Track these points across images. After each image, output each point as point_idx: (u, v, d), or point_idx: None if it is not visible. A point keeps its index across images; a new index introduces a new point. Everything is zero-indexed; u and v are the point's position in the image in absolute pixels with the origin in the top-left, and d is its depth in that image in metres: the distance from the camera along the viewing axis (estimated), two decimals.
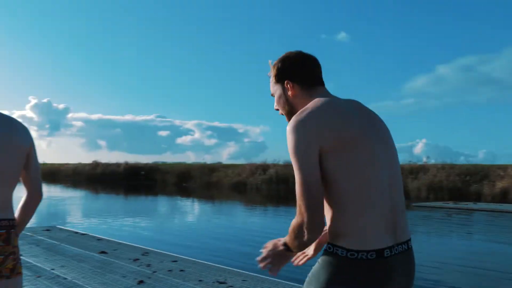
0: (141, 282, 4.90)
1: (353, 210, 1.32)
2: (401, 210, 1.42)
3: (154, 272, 5.39)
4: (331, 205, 1.37)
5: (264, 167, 31.85)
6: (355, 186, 1.32)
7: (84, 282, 4.87)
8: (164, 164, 44.48)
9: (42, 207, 15.80)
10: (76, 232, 8.61)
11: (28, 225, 8.68)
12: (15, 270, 1.93)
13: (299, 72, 1.55)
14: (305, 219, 1.31)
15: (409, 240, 1.44)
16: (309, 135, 1.33)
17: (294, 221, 1.36)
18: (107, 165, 41.77)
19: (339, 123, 1.36)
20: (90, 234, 8.51)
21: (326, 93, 1.55)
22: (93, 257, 6.21)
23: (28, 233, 8.15)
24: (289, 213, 14.85)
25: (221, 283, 4.90)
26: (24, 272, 5.19)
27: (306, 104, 1.46)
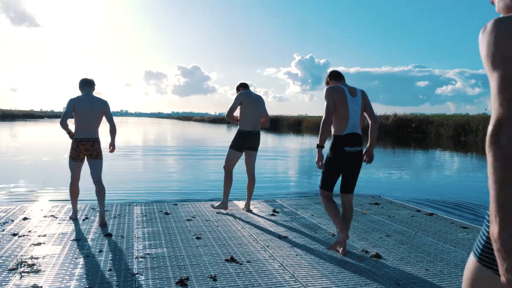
0: None
1: (246, 119, 5.90)
2: (258, 123, 5.93)
3: None
4: None
5: None
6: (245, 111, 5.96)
7: None
8: (437, 115, 40.41)
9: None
10: (418, 211, 6.36)
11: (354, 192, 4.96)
12: (98, 157, 5.12)
13: None
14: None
15: (258, 130, 5.97)
16: None
17: None
18: None
19: None
20: (441, 215, 6.27)
21: None
22: None
23: (357, 209, 6.38)
24: None
25: None
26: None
27: None
